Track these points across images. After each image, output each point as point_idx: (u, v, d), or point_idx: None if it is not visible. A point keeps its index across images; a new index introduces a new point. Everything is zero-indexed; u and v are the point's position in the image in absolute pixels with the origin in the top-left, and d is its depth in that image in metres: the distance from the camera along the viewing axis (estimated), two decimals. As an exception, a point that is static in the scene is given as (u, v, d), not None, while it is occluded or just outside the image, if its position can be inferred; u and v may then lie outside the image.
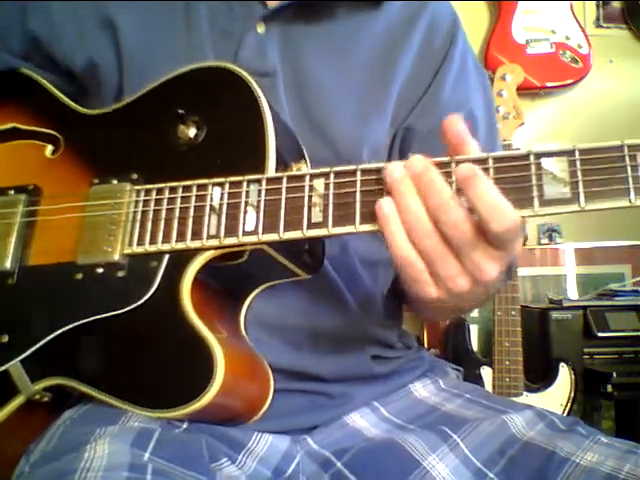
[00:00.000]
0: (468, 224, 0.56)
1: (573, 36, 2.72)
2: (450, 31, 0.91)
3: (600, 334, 2.24)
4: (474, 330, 2.40)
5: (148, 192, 0.72)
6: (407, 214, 0.58)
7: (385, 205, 0.59)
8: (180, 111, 0.73)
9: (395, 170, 0.59)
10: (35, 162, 0.80)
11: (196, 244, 0.68)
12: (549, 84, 2.72)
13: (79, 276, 0.72)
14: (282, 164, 0.70)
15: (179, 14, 0.84)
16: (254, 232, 0.65)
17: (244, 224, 0.66)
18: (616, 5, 2.89)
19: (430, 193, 0.57)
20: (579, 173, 0.57)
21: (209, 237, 0.67)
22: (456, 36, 0.91)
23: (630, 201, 0.55)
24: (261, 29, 0.83)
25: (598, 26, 2.88)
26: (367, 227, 0.62)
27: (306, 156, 0.76)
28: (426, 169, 0.58)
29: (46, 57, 0.87)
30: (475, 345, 2.35)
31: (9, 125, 0.81)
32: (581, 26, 2.74)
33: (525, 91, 2.57)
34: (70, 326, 0.69)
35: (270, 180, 0.66)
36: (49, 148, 0.80)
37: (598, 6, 2.88)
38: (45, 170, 0.79)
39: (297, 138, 0.76)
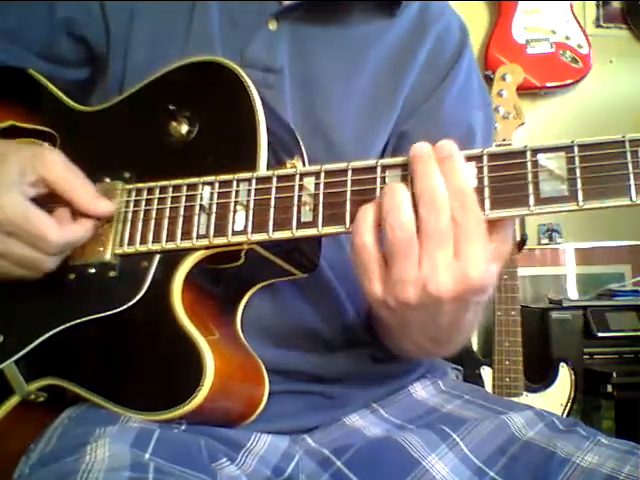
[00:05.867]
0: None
1: (573, 36, 2.71)
2: (460, 44, 0.91)
3: (600, 334, 2.24)
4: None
5: (139, 191, 0.72)
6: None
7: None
8: (171, 107, 0.72)
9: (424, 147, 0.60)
10: None
11: (186, 244, 0.67)
12: (549, 84, 2.71)
13: (72, 276, 0.72)
14: (276, 160, 0.69)
15: (189, 8, 0.84)
16: (243, 232, 0.65)
17: (233, 224, 0.65)
18: (616, 5, 2.89)
19: (451, 176, 0.57)
20: (577, 170, 0.55)
21: (199, 237, 0.67)
22: (465, 50, 0.91)
23: (631, 199, 0.53)
24: (273, 26, 0.83)
25: (598, 26, 2.87)
26: None
27: (303, 151, 0.75)
28: (451, 154, 0.58)
29: (77, 39, 0.85)
30: (475, 345, 2.35)
31: (7, 123, 0.82)
32: (581, 26, 2.73)
33: (525, 91, 2.56)
34: (63, 327, 0.69)
35: (260, 179, 0.66)
36: (46, 146, 0.79)
37: (598, 6, 2.88)
38: None
39: (294, 132, 0.75)
